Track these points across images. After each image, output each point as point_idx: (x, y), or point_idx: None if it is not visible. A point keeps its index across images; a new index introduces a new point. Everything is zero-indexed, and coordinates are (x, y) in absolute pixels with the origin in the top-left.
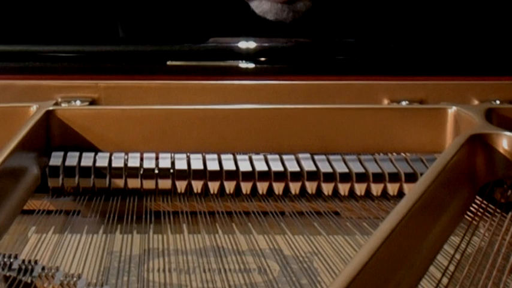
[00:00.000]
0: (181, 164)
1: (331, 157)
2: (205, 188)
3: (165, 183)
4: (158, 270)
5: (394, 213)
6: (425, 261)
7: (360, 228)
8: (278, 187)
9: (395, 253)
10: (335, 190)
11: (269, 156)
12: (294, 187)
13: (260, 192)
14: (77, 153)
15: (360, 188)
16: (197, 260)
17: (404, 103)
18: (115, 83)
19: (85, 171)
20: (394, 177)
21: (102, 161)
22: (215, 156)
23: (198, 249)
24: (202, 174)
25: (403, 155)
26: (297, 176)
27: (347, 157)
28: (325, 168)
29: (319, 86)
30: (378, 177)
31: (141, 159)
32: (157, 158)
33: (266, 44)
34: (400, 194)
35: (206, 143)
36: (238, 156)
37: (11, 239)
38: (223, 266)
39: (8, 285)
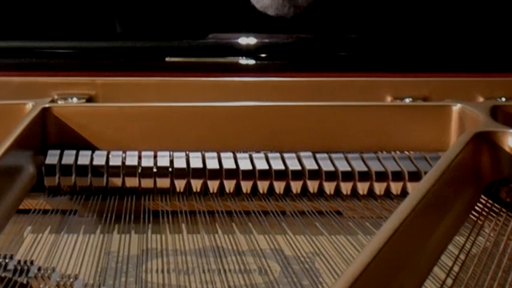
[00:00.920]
0: (180, 163)
1: (333, 155)
2: (205, 187)
3: (163, 182)
4: (157, 270)
5: (397, 212)
6: (429, 261)
7: (362, 228)
8: (279, 186)
9: (398, 253)
10: (337, 189)
11: (270, 155)
12: (295, 186)
13: (261, 191)
14: (74, 152)
15: (362, 187)
16: (196, 261)
17: (407, 100)
18: (112, 80)
19: (82, 170)
20: (398, 176)
21: (99, 159)
22: (215, 154)
23: (198, 250)
24: (202, 172)
25: (407, 153)
26: (298, 175)
27: (349, 155)
28: (327, 166)
29: (320, 83)
30: (381, 176)
31: (139, 157)
32: (155, 156)
33: (267, 40)
34: (404, 193)
35: (205, 141)
36: (238, 155)
37: (7, 239)
38: (223, 267)
39: (3, 286)
